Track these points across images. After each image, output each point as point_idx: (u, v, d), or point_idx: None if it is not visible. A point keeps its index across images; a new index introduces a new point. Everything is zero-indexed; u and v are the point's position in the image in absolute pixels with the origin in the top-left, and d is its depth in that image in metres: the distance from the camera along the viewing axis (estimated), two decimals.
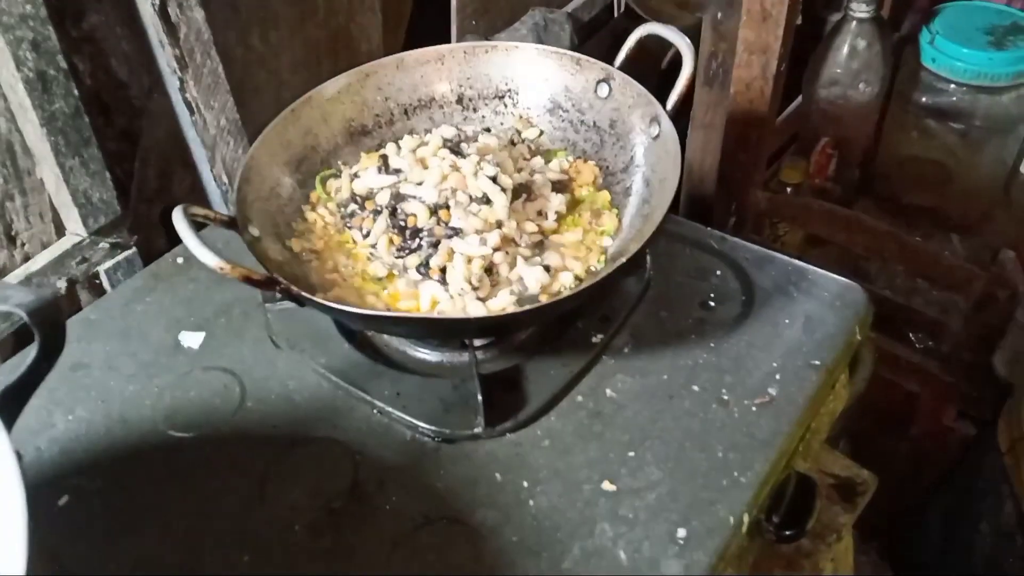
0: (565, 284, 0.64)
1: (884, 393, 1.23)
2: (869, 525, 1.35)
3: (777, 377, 0.64)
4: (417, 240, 0.65)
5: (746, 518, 0.56)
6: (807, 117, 1.26)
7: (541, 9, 1.19)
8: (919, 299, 1.26)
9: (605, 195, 0.71)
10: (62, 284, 0.83)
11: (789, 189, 1.26)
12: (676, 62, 0.68)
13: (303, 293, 0.58)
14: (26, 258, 0.84)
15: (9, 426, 0.37)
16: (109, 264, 0.87)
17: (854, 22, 1.15)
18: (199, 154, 0.93)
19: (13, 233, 0.82)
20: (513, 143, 0.75)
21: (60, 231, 0.85)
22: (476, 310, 0.61)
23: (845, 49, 1.17)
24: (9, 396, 0.39)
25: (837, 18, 1.25)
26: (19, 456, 0.38)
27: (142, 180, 0.93)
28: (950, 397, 1.20)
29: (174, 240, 0.85)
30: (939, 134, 1.27)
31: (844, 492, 0.75)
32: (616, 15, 1.33)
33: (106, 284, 0.88)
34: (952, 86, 1.22)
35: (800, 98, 1.31)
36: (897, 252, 1.15)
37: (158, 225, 0.93)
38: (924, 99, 1.25)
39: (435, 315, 0.61)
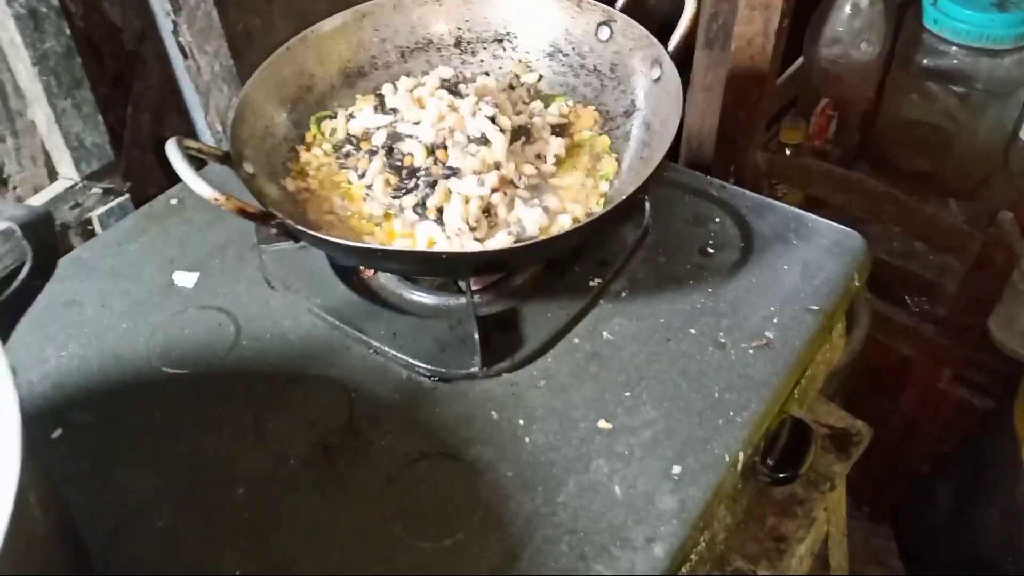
0: (564, 226, 0.63)
1: (878, 356, 1.23)
2: (874, 499, 1.37)
3: (775, 321, 0.63)
4: (414, 180, 0.64)
5: (741, 456, 0.56)
6: (807, 77, 1.25)
7: None
8: (915, 263, 1.26)
9: (605, 139, 0.71)
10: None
11: (788, 150, 1.26)
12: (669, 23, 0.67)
13: (299, 227, 0.57)
14: (19, 200, 0.83)
15: (5, 338, 0.36)
16: (102, 210, 0.86)
17: None
18: (192, 100, 0.92)
19: (5, 176, 0.81)
20: (512, 87, 0.74)
21: (52, 175, 0.84)
22: (474, 249, 0.60)
23: (848, 7, 1.16)
24: (2, 309, 0.39)
25: None
26: (14, 371, 0.38)
27: (135, 126, 0.92)
28: (945, 360, 1.20)
29: (171, 181, 0.85)
30: (939, 97, 1.27)
31: (839, 442, 0.75)
32: None
33: (98, 230, 0.87)
34: (954, 48, 1.21)
35: (800, 60, 1.30)
36: (895, 214, 1.15)
37: (151, 172, 0.92)
38: (925, 61, 1.24)
39: (433, 250, 0.60)
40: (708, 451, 0.56)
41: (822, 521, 0.76)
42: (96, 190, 0.85)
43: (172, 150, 0.56)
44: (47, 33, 0.75)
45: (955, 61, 1.22)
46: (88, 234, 0.88)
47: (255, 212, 0.57)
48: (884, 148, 1.33)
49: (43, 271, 0.40)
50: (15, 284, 0.40)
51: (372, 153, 0.67)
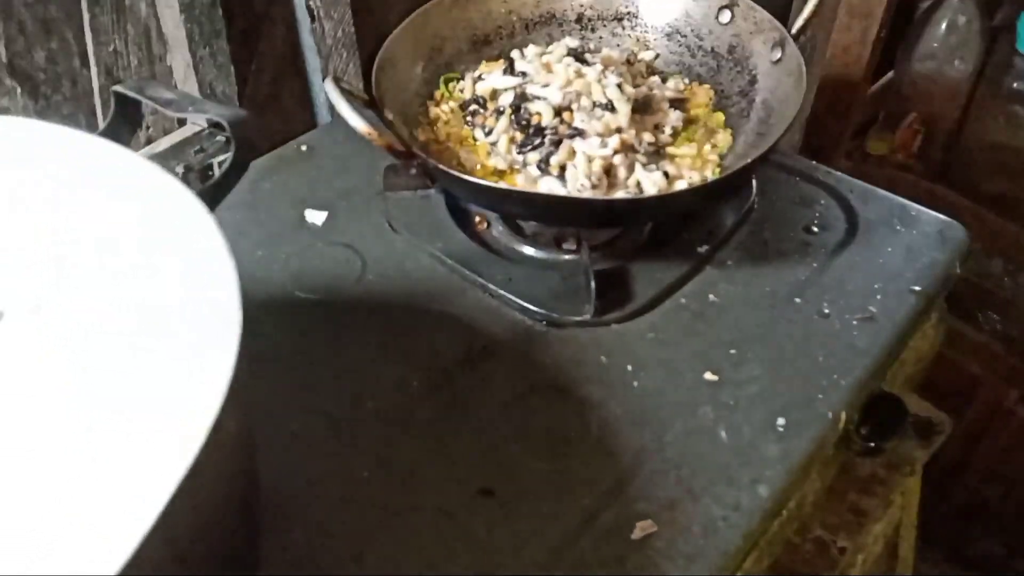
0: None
1: (945, 371, 1.24)
2: (930, 517, 1.36)
3: (878, 297, 0.66)
4: (540, 138, 0.68)
5: (843, 416, 0.59)
6: (898, 90, 1.27)
7: None
8: (990, 281, 1.27)
9: (719, 115, 0.74)
10: (180, 170, 0.88)
11: (872, 161, 1.27)
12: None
13: (440, 165, 0.61)
14: (149, 141, 0.88)
15: None
16: (222, 157, 0.91)
17: None
18: (312, 63, 0.96)
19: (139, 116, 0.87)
20: (629, 62, 0.77)
21: (181, 120, 0.89)
22: (598, 197, 0.64)
23: (944, 24, 1.18)
24: (207, 194, 0.43)
25: (929, 2, 1.25)
26: None
27: (255, 84, 0.97)
28: (1013, 380, 1.21)
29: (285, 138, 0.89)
30: None
31: (921, 429, 0.77)
32: None
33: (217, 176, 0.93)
34: None
35: (890, 73, 1.32)
36: (977, 230, 1.15)
37: (264, 130, 0.97)
38: (1015, 85, 1.25)
39: (563, 195, 0.64)
40: (812, 408, 0.58)
41: (897, 506, 0.77)
42: (220, 138, 0.90)
43: (331, 87, 0.61)
44: None
45: None
46: (208, 179, 0.93)
47: (401, 149, 0.61)
48: (966, 167, 1.35)
49: (242, 166, 0.45)
50: (218, 174, 0.44)
51: (499, 112, 0.71)
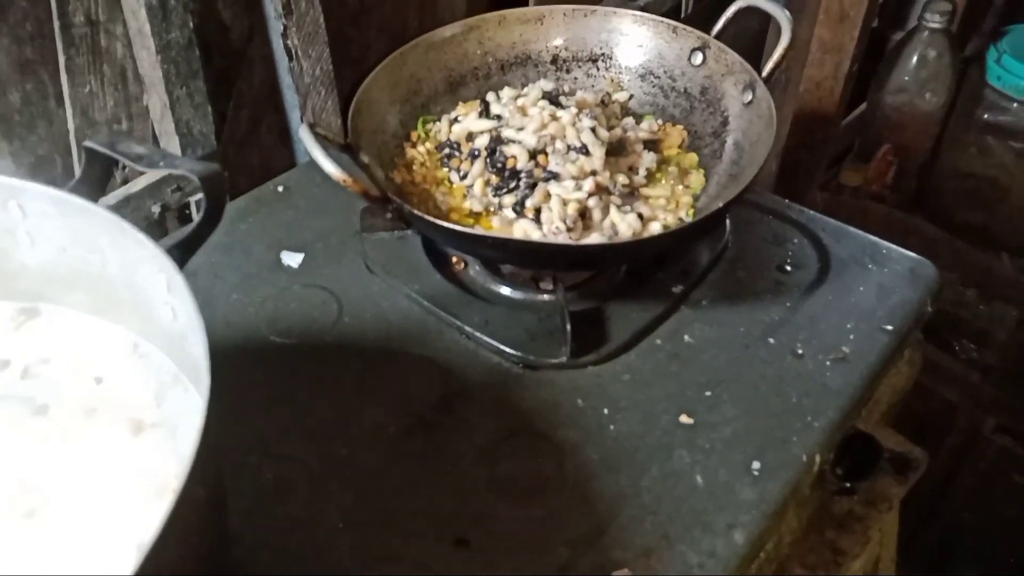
0: (655, 233, 0.67)
1: (923, 400, 1.25)
2: (909, 544, 1.37)
3: (851, 337, 0.66)
4: (515, 181, 0.69)
5: (817, 458, 0.59)
6: (871, 122, 1.29)
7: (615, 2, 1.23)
8: (966, 310, 1.28)
9: (693, 156, 0.75)
10: (156, 209, 0.88)
11: (846, 192, 1.29)
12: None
13: (414, 211, 0.61)
14: (125, 181, 0.88)
15: None
16: (199, 196, 0.91)
17: (926, 32, 1.18)
18: (291, 100, 0.97)
19: None
20: (604, 103, 0.78)
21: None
22: (573, 243, 0.64)
23: (915, 58, 1.20)
24: (176, 250, 0.43)
25: (900, 36, 1.28)
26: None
27: (234, 122, 0.97)
28: (990, 408, 1.22)
29: (264, 174, 0.90)
30: (997, 152, 1.30)
31: (897, 465, 0.77)
32: (684, 14, 1.37)
33: (195, 215, 0.92)
34: (1015, 105, 1.24)
35: (863, 105, 1.34)
36: (951, 260, 1.17)
37: (244, 166, 0.97)
38: (986, 116, 1.28)
39: (539, 240, 0.64)
40: (786, 450, 0.59)
41: (876, 542, 0.78)
42: None
43: (306, 134, 0.61)
44: (173, 24, 0.81)
45: (1016, 117, 1.25)
46: (185, 218, 0.93)
47: (376, 195, 0.61)
48: (940, 197, 1.37)
49: (213, 220, 0.45)
50: (191, 228, 0.44)
51: (474, 156, 0.72)
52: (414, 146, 0.76)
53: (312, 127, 0.62)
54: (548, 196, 0.68)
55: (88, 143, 0.45)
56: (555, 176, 0.68)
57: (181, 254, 0.43)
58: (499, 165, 0.70)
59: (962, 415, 1.25)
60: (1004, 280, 1.16)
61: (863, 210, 1.22)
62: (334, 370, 0.64)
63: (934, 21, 1.17)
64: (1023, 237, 1.35)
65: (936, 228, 1.19)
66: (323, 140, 0.65)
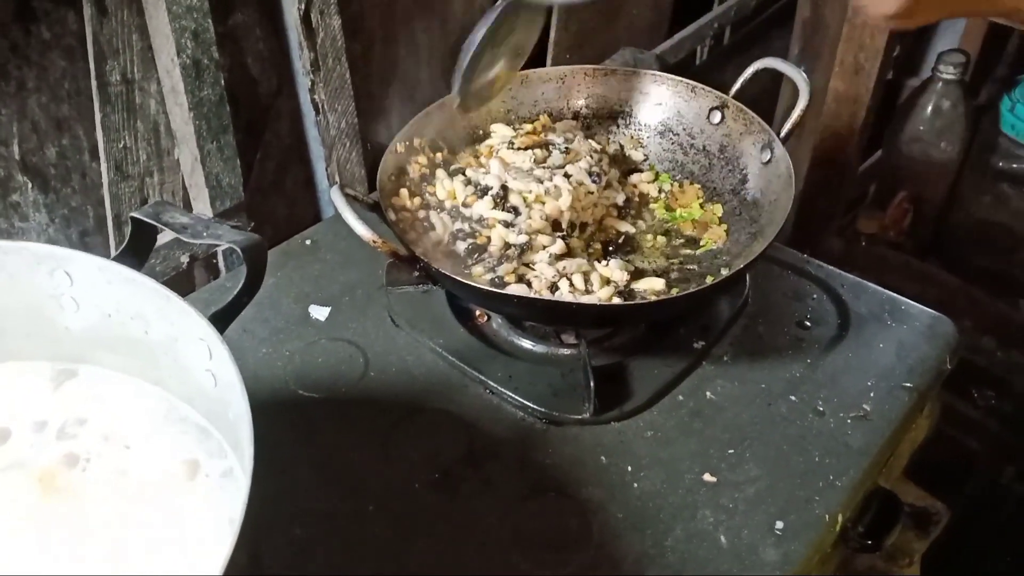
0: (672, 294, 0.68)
1: (942, 448, 1.25)
2: None
3: (871, 395, 0.67)
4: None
5: (840, 518, 0.59)
6: (886, 170, 1.30)
7: (631, 49, 1.25)
8: (983, 358, 1.28)
9: (717, 208, 0.76)
10: (184, 259, 0.89)
11: (863, 239, 1.30)
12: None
13: (441, 270, 0.63)
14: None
15: None
16: (226, 245, 0.93)
17: (940, 83, 1.20)
18: (316, 152, 0.99)
19: None
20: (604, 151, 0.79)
21: (188, 210, 0.91)
22: (596, 301, 0.65)
23: (930, 108, 1.22)
24: (218, 318, 0.44)
25: (915, 83, 1.29)
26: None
27: (261, 172, 0.99)
28: (1010, 456, 1.21)
29: (291, 225, 0.92)
30: (1012, 199, 1.30)
31: (918, 520, 0.78)
32: (699, 61, 1.40)
33: (221, 265, 0.94)
34: None
35: (879, 153, 1.35)
36: (968, 308, 1.18)
37: (270, 215, 0.99)
38: (1000, 164, 1.28)
39: (562, 300, 0.65)
40: (810, 510, 0.59)
41: None
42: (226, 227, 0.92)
43: (337, 196, 0.63)
44: (205, 82, 0.83)
45: None
46: (212, 268, 0.95)
47: (404, 255, 0.62)
48: (956, 244, 1.37)
49: (252, 288, 0.46)
50: (231, 297, 0.46)
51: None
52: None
53: (343, 188, 0.63)
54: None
55: (135, 214, 0.47)
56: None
57: (222, 322, 0.45)
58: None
59: (981, 463, 1.24)
60: (1020, 327, 1.16)
61: (880, 257, 1.23)
62: (360, 425, 0.65)
63: (948, 72, 1.18)
64: None
65: (952, 276, 1.20)
66: (352, 201, 0.67)
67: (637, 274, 0.71)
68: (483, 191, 0.72)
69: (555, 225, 0.71)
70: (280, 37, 0.92)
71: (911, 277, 1.19)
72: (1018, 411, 1.17)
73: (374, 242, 0.60)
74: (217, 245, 0.45)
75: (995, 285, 1.33)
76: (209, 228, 0.47)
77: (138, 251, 0.48)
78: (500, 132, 0.81)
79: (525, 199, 0.71)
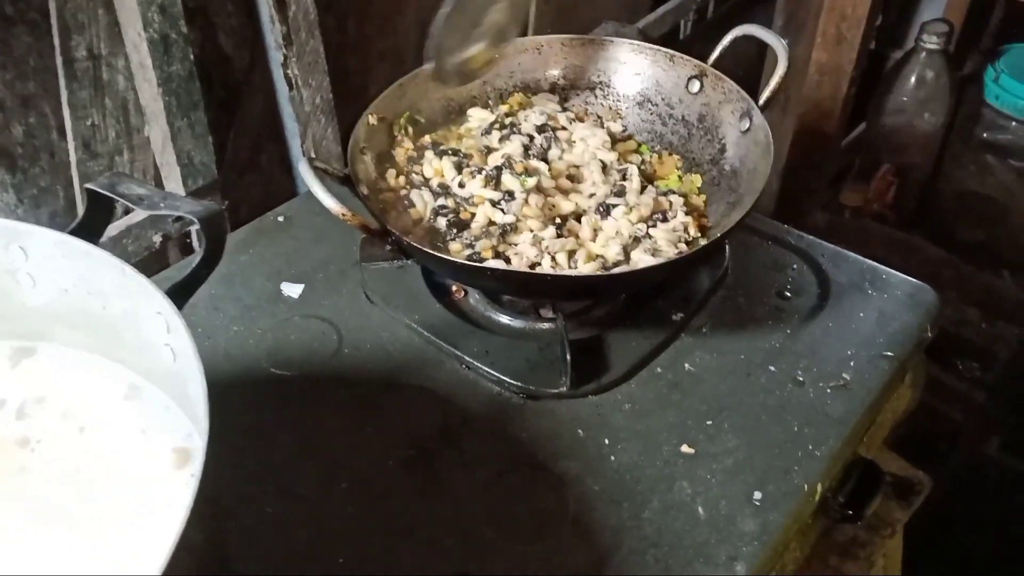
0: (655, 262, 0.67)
1: (926, 420, 1.24)
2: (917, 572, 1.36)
3: (851, 364, 0.66)
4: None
5: (819, 488, 0.59)
6: (870, 143, 1.29)
7: (613, 23, 1.23)
8: (968, 329, 1.28)
9: (696, 178, 0.75)
10: (157, 239, 0.88)
11: (847, 212, 1.29)
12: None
13: (414, 243, 0.62)
14: (127, 211, 0.89)
15: None
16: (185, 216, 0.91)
17: (924, 53, 1.19)
18: (291, 129, 0.98)
19: None
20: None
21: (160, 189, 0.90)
22: (573, 273, 0.64)
23: (913, 79, 1.21)
24: (175, 292, 0.43)
25: (899, 55, 1.28)
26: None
27: (234, 150, 0.98)
28: (995, 428, 1.21)
29: (266, 203, 0.90)
30: (997, 171, 1.30)
31: (900, 490, 0.77)
32: (683, 36, 1.38)
33: (195, 245, 0.93)
34: (1014, 123, 1.25)
35: (863, 125, 1.34)
36: (953, 280, 1.17)
37: (246, 193, 0.98)
38: (985, 135, 1.28)
39: (538, 272, 0.64)
40: (788, 480, 0.58)
41: (880, 568, 0.77)
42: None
43: (304, 168, 0.61)
44: (174, 57, 0.81)
45: (1015, 136, 1.25)
46: (186, 248, 0.93)
47: (375, 229, 0.61)
48: (941, 216, 1.37)
49: (212, 261, 0.45)
50: (189, 270, 0.45)
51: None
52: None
53: (311, 161, 0.62)
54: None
55: (89, 185, 0.46)
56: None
57: (181, 295, 0.44)
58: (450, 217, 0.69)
59: (966, 435, 1.24)
60: (1006, 299, 1.16)
61: (864, 230, 1.22)
62: (334, 402, 0.64)
63: (931, 42, 1.17)
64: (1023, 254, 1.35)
65: (937, 247, 1.19)
66: (322, 173, 0.65)
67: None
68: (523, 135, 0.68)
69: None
70: (252, 11, 0.90)
71: (896, 249, 1.19)
72: (1003, 382, 1.17)
73: (343, 215, 0.59)
74: (173, 215, 0.44)
75: (979, 256, 1.32)
76: (166, 199, 0.45)
77: (95, 224, 0.46)
78: (477, 116, 0.80)
79: (524, 184, 0.69)
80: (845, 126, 1.17)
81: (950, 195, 1.36)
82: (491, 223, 0.68)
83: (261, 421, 0.63)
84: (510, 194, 0.69)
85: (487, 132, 0.77)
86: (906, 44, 1.44)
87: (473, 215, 0.69)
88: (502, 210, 0.68)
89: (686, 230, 0.68)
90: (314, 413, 0.64)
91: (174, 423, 0.46)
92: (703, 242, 0.67)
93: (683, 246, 0.68)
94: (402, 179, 0.73)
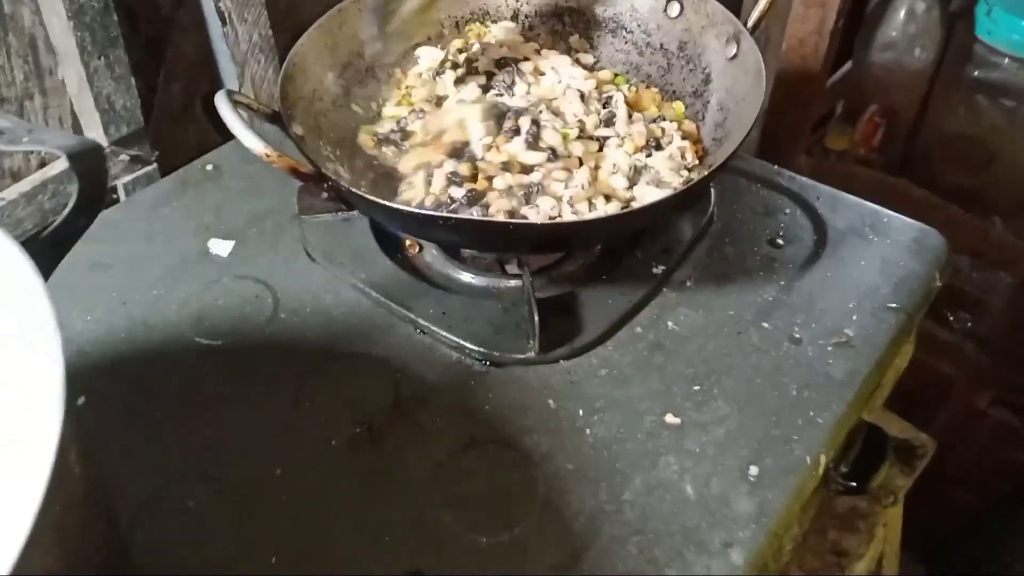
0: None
1: (916, 373, 1.19)
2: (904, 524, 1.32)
3: (854, 318, 0.59)
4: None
5: (822, 459, 0.52)
6: (857, 83, 1.22)
7: None
8: (960, 279, 1.22)
9: (679, 105, 0.67)
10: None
11: (832, 156, 1.22)
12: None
13: (352, 189, 0.53)
14: (42, 163, 0.79)
15: (45, 279, 0.32)
16: (128, 178, 0.82)
17: None
18: (228, 70, 0.88)
19: None
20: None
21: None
22: (539, 220, 0.56)
23: (903, 12, 1.13)
24: (44, 245, 0.34)
25: None
26: None
27: (165, 95, 0.88)
28: (986, 381, 1.16)
29: (201, 152, 0.81)
30: (987, 111, 1.23)
31: (902, 454, 0.71)
32: None
33: (123, 198, 0.84)
34: (1006, 60, 1.18)
35: (848, 64, 1.26)
36: (944, 225, 1.11)
37: (180, 144, 0.88)
38: (976, 73, 1.21)
39: (499, 220, 0.56)
40: (788, 452, 0.51)
41: (880, 538, 0.71)
42: (123, 157, 0.81)
43: (222, 101, 0.52)
44: None
45: (1007, 73, 1.18)
46: (113, 202, 0.84)
47: (307, 172, 0.52)
48: (929, 160, 1.30)
49: (89, 208, 0.36)
50: (58, 219, 0.36)
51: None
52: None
53: (230, 94, 0.53)
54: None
55: None
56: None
57: (50, 250, 0.35)
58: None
59: (957, 388, 1.19)
60: (998, 245, 1.10)
61: (850, 175, 1.15)
62: (267, 376, 0.56)
63: None
64: (1016, 200, 1.29)
65: (926, 192, 1.12)
66: (246, 109, 0.56)
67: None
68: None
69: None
70: None
71: (883, 194, 1.10)
72: (996, 333, 1.12)
73: (267, 156, 0.50)
74: (38, 150, 0.35)
75: (969, 202, 1.26)
76: (32, 132, 0.36)
77: None
78: (427, 56, 0.71)
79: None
80: (831, 64, 1.09)
81: (939, 138, 1.29)
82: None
83: (184, 399, 0.55)
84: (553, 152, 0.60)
85: (440, 72, 0.68)
86: None
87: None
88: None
89: (683, 156, 0.60)
90: (245, 388, 0.55)
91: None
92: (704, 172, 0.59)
93: (686, 173, 0.60)
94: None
